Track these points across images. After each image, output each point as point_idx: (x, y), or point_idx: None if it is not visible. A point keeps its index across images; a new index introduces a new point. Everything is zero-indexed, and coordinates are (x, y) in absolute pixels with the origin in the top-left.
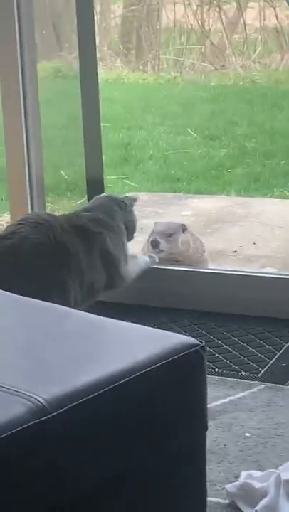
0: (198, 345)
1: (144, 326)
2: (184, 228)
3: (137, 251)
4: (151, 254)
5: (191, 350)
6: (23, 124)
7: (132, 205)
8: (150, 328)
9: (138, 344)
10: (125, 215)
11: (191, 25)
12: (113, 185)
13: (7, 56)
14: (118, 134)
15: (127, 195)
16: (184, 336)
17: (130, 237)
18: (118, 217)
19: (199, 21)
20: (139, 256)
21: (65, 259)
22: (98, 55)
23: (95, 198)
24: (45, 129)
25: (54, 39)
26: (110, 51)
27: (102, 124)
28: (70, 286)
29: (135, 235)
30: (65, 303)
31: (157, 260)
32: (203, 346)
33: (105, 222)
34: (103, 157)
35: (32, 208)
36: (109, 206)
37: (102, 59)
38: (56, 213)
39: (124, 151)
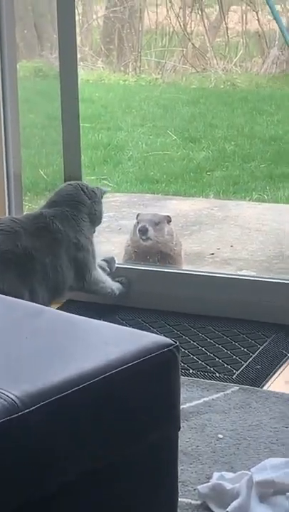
0: (172, 344)
1: (118, 325)
2: (168, 220)
3: (115, 252)
4: (122, 281)
5: (164, 349)
6: (2, 123)
7: (102, 197)
8: (124, 327)
9: (112, 343)
10: (93, 205)
11: (173, 27)
12: None
13: None
14: (98, 135)
15: (99, 186)
16: (158, 336)
17: (94, 228)
18: (84, 209)
19: (181, 24)
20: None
21: (31, 264)
22: (79, 56)
23: (64, 184)
24: (25, 129)
25: (36, 39)
26: (92, 52)
27: (82, 125)
28: (37, 290)
29: (113, 235)
30: None
31: (110, 270)
32: (177, 346)
33: (71, 218)
34: (82, 157)
35: (9, 207)
36: (77, 196)
37: (83, 59)
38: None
39: (103, 152)
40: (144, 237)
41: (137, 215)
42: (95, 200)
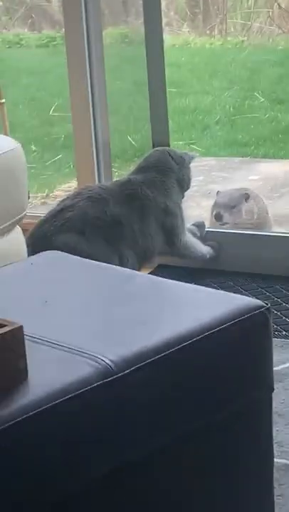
0: (263, 306)
1: (208, 288)
2: (246, 197)
3: (204, 216)
4: (213, 245)
5: (256, 311)
6: (89, 91)
7: (190, 162)
8: (215, 290)
9: (203, 306)
10: (181, 170)
11: None
12: None
13: (72, 23)
14: (185, 99)
15: (187, 152)
16: (249, 298)
17: (183, 193)
18: (172, 175)
19: None
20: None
21: (119, 230)
22: (165, 20)
23: (152, 150)
24: (112, 96)
25: (121, 5)
26: (177, 16)
27: (168, 90)
28: (126, 256)
29: (202, 200)
30: None
31: (200, 235)
32: (268, 308)
33: (159, 184)
34: (170, 122)
35: (99, 175)
36: (165, 162)
37: (168, 24)
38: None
39: (191, 116)
40: (220, 223)
41: (217, 193)
42: (183, 165)
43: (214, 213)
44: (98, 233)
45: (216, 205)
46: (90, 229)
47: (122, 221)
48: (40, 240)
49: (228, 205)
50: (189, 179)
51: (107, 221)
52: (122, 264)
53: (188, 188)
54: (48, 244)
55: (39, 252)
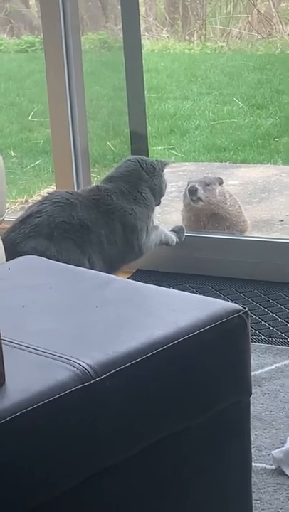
0: (241, 310)
1: (186, 293)
2: (220, 181)
3: (178, 220)
4: (177, 230)
5: (234, 315)
6: (68, 96)
7: (162, 170)
8: (193, 294)
9: (181, 310)
10: (152, 179)
11: None
12: (160, 156)
13: (51, 28)
14: (164, 105)
15: (160, 159)
16: (227, 302)
17: (157, 202)
18: (143, 184)
19: None
20: (166, 232)
21: (87, 234)
22: (144, 26)
23: (124, 160)
24: (91, 101)
25: (100, 10)
26: (156, 22)
27: (148, 95)
28: (94, 260)
29: (181, 205)
30: None
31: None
32: (246, 312)
33: (127, 193)
34: (149, 128)
35: (77, 180)
36: (135, 173)
37: (148, 29)
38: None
39: (170, 122)
40: (194, 198)
41: (189, 180)
42: (154, 174)
43: (189, 187)
44: (66, 237)
45: (190, 181)
46: (58, 233)
47: (89, 225)
48: (9, 247)
49: (203, 182)
50: (161, 187)
51: (74, 225)
52: (92, 268)
53: (161, 195)
54: (18, 250)
55: (9, 259)
